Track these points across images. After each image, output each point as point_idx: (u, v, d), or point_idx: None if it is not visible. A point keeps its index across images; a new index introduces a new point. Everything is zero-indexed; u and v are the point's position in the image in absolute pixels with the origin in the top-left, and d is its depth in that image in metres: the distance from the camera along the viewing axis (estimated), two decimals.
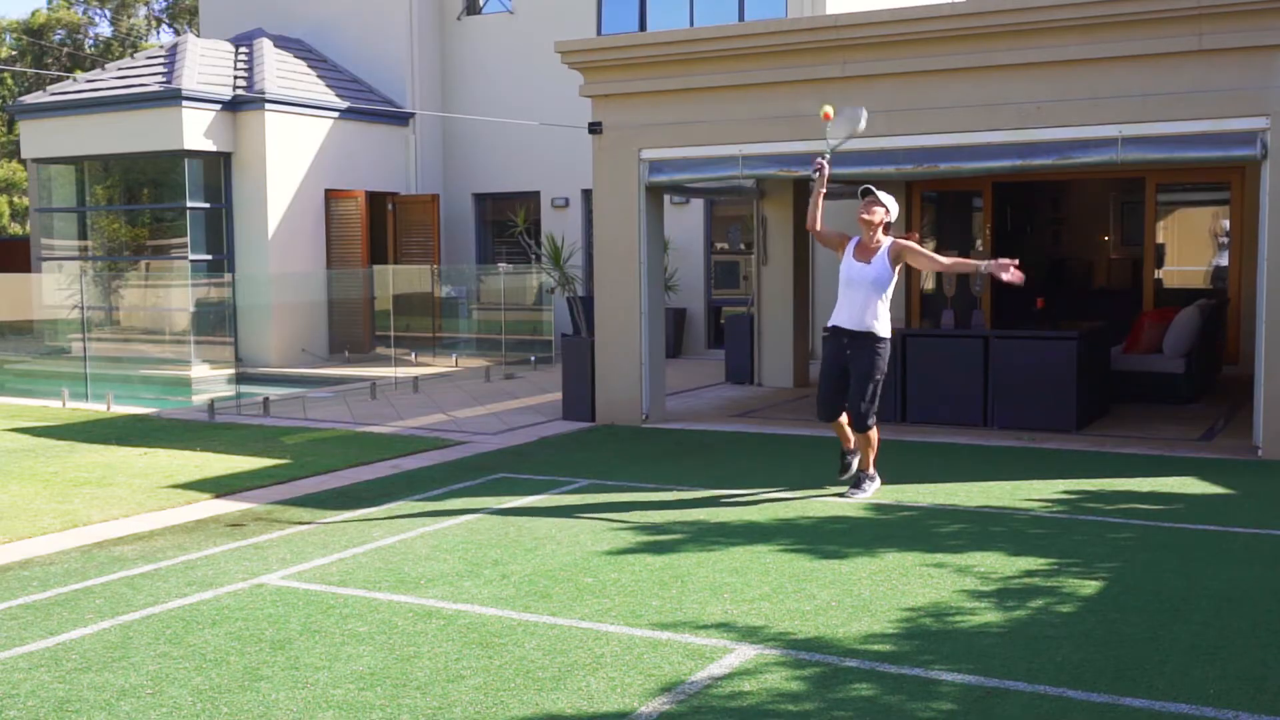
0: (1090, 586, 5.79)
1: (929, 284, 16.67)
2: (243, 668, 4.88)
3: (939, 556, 6.40)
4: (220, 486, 8.67)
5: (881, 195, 7.73)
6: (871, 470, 7.99)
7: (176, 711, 4.43)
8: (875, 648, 4.98)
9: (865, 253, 7.69)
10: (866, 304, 7.63)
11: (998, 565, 6.20)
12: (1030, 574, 6.02)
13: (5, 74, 43.10)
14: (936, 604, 5.56)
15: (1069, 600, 5.57)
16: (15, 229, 41.71)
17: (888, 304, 7.71)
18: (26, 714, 4.43)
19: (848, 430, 7.93)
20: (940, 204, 16.84)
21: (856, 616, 5.39)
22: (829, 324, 7.83)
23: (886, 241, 7.69)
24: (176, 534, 7.31)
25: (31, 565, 6.62)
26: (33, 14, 42.84)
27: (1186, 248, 16.46)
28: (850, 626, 5.26)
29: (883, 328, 7.67)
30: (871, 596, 5.69)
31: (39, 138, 17.97)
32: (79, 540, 7.19)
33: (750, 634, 5.17)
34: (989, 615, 5.37)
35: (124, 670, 4.87)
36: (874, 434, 7.86)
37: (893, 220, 7.78)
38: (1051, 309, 14.28)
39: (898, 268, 7.71)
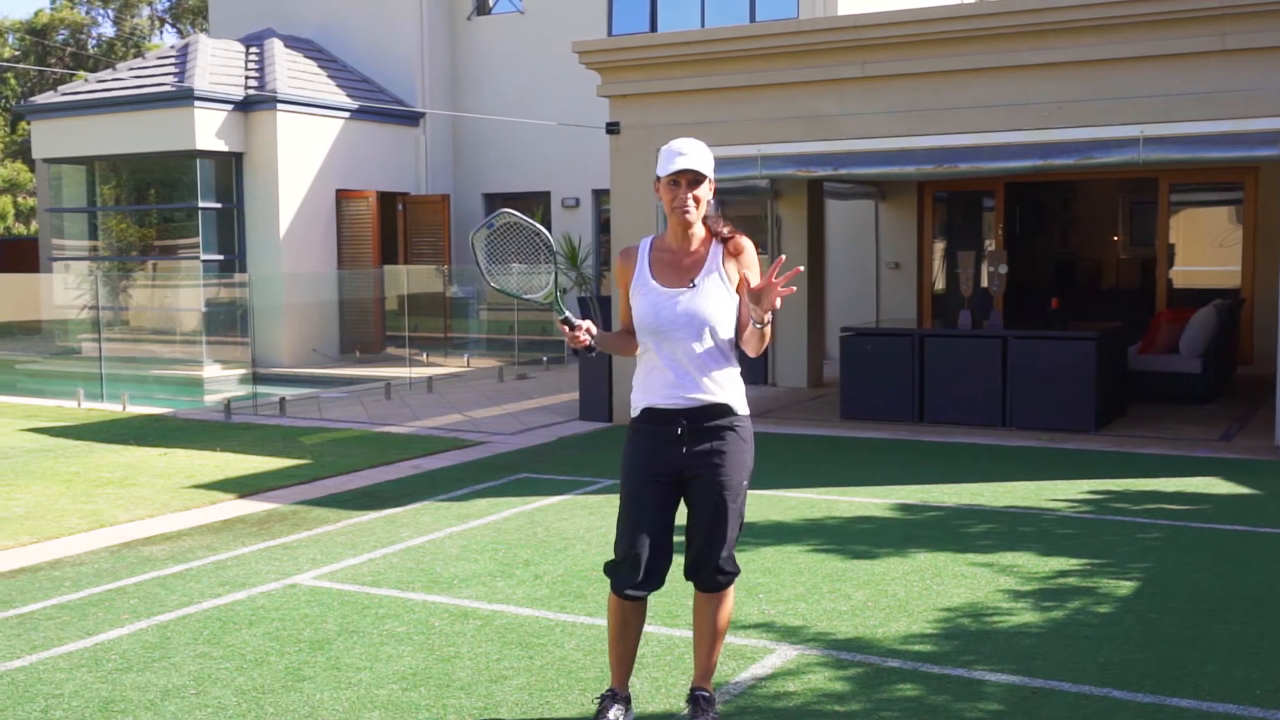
0: (1125, 587, 5.79)
1: (940, 283, 16.68)
2: (284, 668, 4.87)
3: (970, 556, 6.40)
4: (243, 486, 8.67)
5: (693, 146, 4.00)
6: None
7: (221, 712, 4.43)
8: (916, 648, 4.98)
9: (679, 269, 4.06)
10: (706, 356, 4.05)
11: (1030, 565, 6.19)
12: (1064, 574, 6.02)
13: (9, 74, 43.10)
14: (973, 604, 5.56)
15: (1105, 601, 5.57)
16: (20, 229, 41.71)
17: (734, 350, 4.16)
18: (72, 714, 4.43)
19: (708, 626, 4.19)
20: (950, 204, 16.83)
21: (894, 617, 5.39)
22: (637, 405, 4.17)
23: (714, 246, 4.09)
24: (204, 534, 7.30)
25: (61, 565, 6.61)
26: (36, 14, 42.86)
27: (1198, 248, 16.44)
28: (889, 627, 5.26)
29: (739, 396, 4.18)
30: (907, 596, 5.69)
31: (50, 138, 17.97)
32: (106, 540, 7.18)
33: (790, 634, 5.17)
34: (1027, 615, 5.37)
35: (165, 671, 4.87)
36: (732, 597, 4.22)
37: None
38: (1062, 309, 14.30)
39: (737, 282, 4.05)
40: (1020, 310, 15.52)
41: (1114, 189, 18.71)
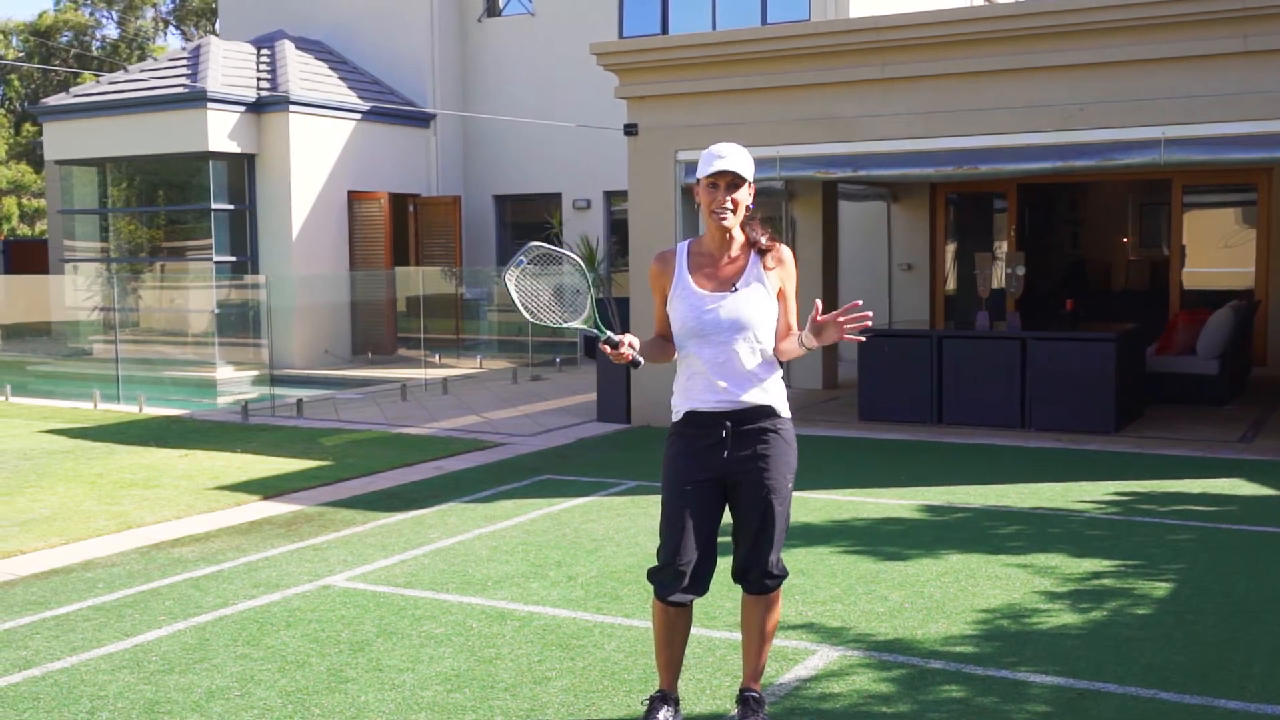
0: (1161, 588, 5.79)
1: (951, 283, 16.68)
2: (326, 669, 4.87)
3: (1002, 558, 6.39)
4: (267, 488, 8.67)
5: (732, 149, 4.01)
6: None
7: (268, 713, 4.43)
8: (957, 649, 4.98)
9: (720, 274, 4.07)
10: (748, 359, 4.02)
11: (1064, 567, 6.19)
12: (1098, 575, 6.02)
13: (13, 76, 43.12)
14: (1010, 605, 5.56)
15: (1143, 602, 5.57)
16: (25, 230, 41.72)
17: (773, 354, 4.13)
18: (118, 715, 4.43)
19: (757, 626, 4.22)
20: (962, 205, 16.84)
21: (932, 618, 5.39)
22: (679, 410, 4.12)
23: (754, 253, 4.09)
24: (232, 535, 7.30)
25: (93, 567, 6.61)
26: (40, 15, 42.88)
27: (1207, 249, 16.43)
28: (928, 628, 5.25)
29: (780, 398, 4.12)
30: (943, 598, 5.69)
31: (62, 139, 17.97)
32: (135, 542, 7.18)
33: (830, 636, 5.17)
34: (1066, 617, 5.37)
35: (207, 672, 4.87)
36: (780, 599, 4.30)
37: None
38: (1075, 310, 14.27)
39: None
40: (1030, 311, 15.52)
41: (1123, 191, 18.72)
